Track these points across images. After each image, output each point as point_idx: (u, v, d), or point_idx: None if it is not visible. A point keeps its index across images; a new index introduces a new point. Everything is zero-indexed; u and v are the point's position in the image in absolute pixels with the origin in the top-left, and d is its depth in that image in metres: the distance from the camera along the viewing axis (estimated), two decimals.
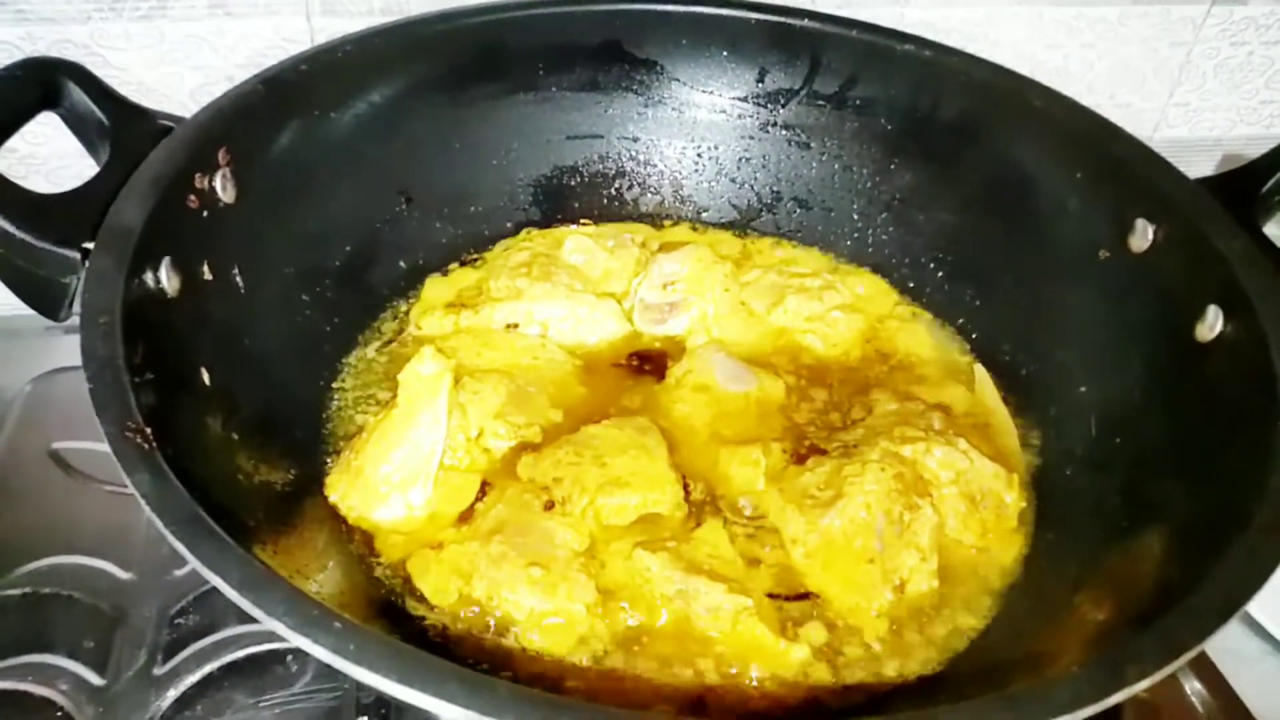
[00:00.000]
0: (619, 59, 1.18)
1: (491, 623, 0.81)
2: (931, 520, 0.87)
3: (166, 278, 0.80)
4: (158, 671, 0.93)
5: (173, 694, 0.92)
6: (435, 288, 1.11)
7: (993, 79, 1.08)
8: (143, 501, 0.58)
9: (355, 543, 0.88)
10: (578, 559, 0.86)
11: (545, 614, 0.81)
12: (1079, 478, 0.93)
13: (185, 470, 0.68)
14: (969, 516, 0.90)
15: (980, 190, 1.10)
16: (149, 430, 0.63)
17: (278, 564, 0.71)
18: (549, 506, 0.90)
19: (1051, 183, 1.04)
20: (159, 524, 0.57)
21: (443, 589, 0.83)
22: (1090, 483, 0.91)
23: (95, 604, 0.98)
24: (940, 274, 1.14)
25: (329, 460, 0.94)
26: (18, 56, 0.90)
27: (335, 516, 0.89)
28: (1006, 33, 1.36)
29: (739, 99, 1.21)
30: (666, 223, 1.25)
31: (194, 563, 0.55)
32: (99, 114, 0.88)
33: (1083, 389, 0.97)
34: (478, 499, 0.90)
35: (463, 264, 1.15)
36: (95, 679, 0.93)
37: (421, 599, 0.83)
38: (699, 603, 0.83)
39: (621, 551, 0.87)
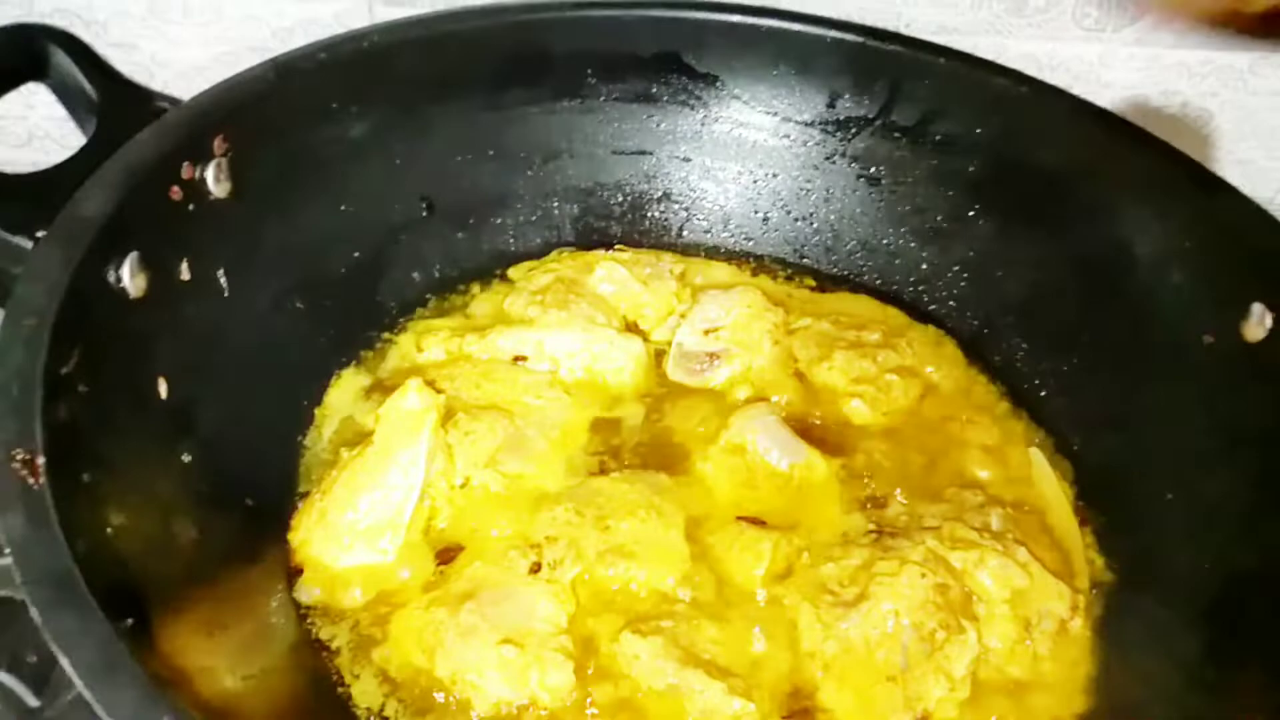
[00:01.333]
0: (676, 71, 1.07)
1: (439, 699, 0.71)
2: (973, 649, 0.74)
3: (130, 275, 0.72)
4: None
5: None
6: (443, 310, 1.02)
7: (1097, 126, 0.94)
8: (7, 546, 0.49)
9: (305, 599, 0.78)
10: (558, 636, 0.75)
11: (511, 705, 0.71)
12: (1156, 605, 0.79)
13: (103, 500, 0.60)
14: (1018, 644, 0.76)
15: (1070, 250, 0.96)
16: (42, 462, 0.54)
17: (194, 623, 0.62)
18: (535, 569, 0.79)
19: (1153, 249, 0.89)
20: (16, 577, 0.48)
21: (404, 662, 0.74)
22: (1170, 614, 0.77)
23: None
24: (1012, 341, 1.00)
25: (298, 498, 0.84)
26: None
27: (289, 568, 0.79)
28: (1119, 74, 1.21)
29: (805, 124, 1.09)
30: (714, 256, 1.12)
31: (44, 632, 0.46)
32: (87, 88, 0.81)
33: (1169, 497, 0.83)
34: (451, 554, 0.80)
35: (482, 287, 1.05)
36: (30, 699, 0.85)
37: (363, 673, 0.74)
38: (694, 701, 0.72)
39: (607, 631, 0.76)
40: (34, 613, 0.47)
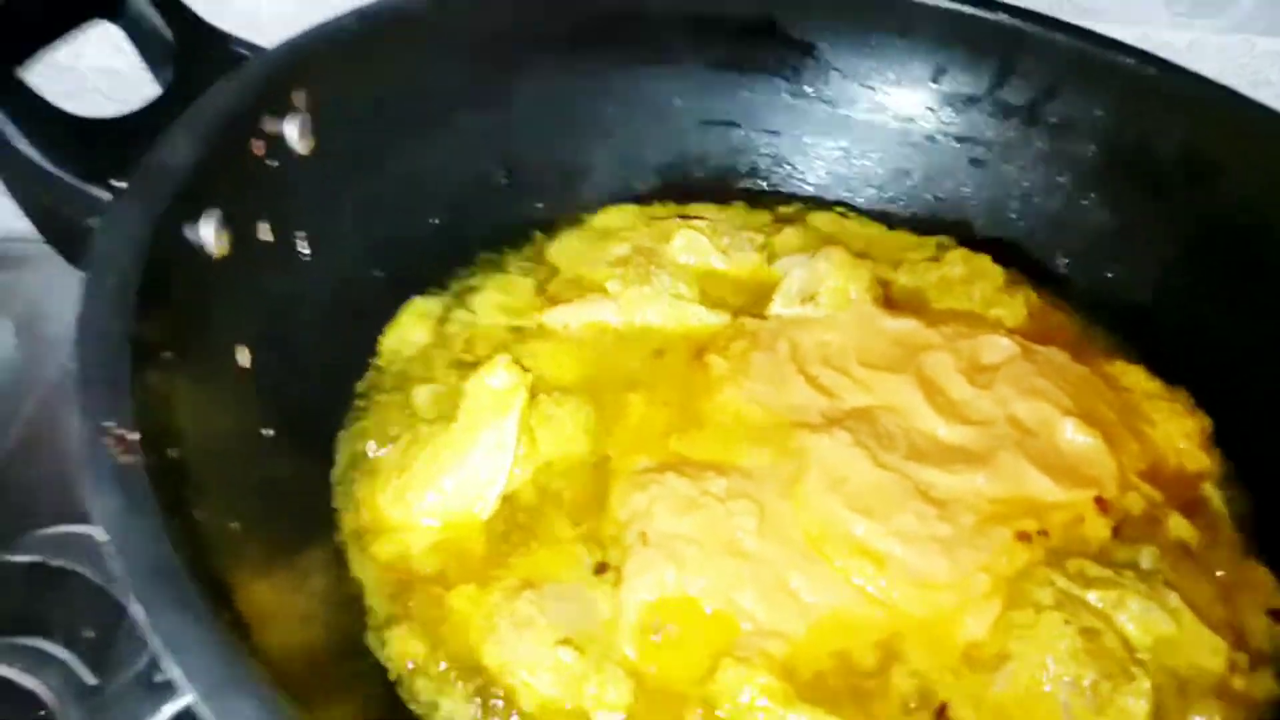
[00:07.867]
0: (771, 38, 1.01)
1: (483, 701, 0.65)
2: (1150, 696, 0.64)
3: (212, 234, 0.66)
4: (159, 678, 0.81)
5: (169, 709, 0.80)
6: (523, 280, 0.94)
7: (1234, 110, 0.88)
8: (106, 534, 0.44)
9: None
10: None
11: (559, 711, 0.65)
12: None
13: (188, 482, 0.55)
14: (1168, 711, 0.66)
15: (1197, 245, 0.90)
16: (137, 438, 0.49)
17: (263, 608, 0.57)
18: (600, 569, 0.72)
19: None
20: (122, 570, 0.43)
21: (454, 642, 0.67)
22: None
23: (105, 587, 0.87)
24: (1131, 338, 0.94)
25: (346, 468, 0.78)
26: None
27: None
28: (1210, 62, 1.14)
29: (906, 99, 1.03)
30: None
31: (152, 635, 0.41)
32: (163, 30, 0.75)
33: None
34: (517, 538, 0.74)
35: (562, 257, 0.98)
36: (88, 676, 0.82)
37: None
38: None
39: (690, 648, 0.68)
40: (140, 612, 0.42)
